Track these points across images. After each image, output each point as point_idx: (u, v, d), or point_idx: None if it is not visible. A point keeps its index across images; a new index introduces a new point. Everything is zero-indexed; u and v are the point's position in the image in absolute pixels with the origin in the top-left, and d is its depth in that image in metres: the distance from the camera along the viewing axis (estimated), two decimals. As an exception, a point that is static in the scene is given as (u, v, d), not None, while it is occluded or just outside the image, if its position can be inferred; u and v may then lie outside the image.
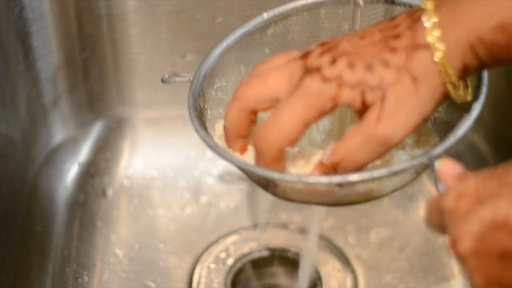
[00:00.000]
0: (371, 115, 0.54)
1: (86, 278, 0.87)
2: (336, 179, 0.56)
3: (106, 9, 0.90)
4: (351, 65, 0.54)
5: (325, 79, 0.54)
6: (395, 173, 0.56)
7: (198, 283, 0.87)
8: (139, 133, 0.99)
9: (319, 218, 0.76)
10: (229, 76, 0.67)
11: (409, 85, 0.53)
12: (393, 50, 0.54)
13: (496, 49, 0.52)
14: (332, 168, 0.56)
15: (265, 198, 0.94)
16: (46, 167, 0.94)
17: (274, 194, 0.62)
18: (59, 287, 0.86)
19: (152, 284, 0.87)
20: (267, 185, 0.61)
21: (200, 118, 0.63)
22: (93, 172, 0.96)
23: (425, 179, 0.95)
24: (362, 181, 0.56)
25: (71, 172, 0.96)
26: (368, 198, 0.60)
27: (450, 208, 0.47)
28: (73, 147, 0.97)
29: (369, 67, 0.54)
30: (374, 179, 0.57)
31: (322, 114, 0.55)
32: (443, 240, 0.90)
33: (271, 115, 0.56)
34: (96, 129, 0.98)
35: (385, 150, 0.55)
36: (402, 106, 0.53)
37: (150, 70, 0.95)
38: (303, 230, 0.91)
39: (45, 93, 0.93)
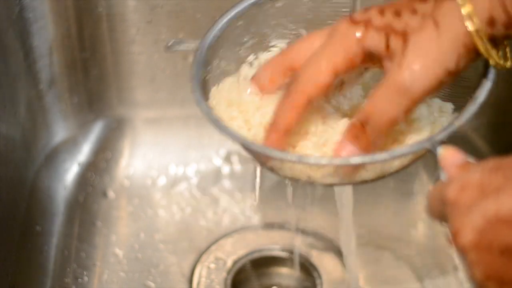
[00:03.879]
0: (393, 64, 0.54)
1: (86, 278, 0.87)
2: (337, 161, 0.56)
3: (106, 9, 0.90)
4: (381, 12, 0.55)
5: (354, 22, 0.56)
6: (396, 157, 0.56)
7: (198, 283, 0.87)
8: (139, 133, 0.99)
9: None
10: (234, 47, 0.67)
11: (431, 30, 0.53)
12: (424, 0, 0.55)
13: None
14: (362, 128, 0.56)
15: (265, 198, 0.94)
16: (46, 167, 0.94)
17: (271, 169, 0.62)
18: (59, 287, 0.86)
19: (152, 284, 0.87)
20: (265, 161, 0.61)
21: (202, 89, 0.62)
22: (93, 172, 0.96)
23: (425, 178, 0.95)
24: (364, 164, 0.57)
25: (71, 172, 0.96)
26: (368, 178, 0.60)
27: (453, 199, 0.47)
28: (73, 147, 0.97)
29: (397, 13, 0.55)
30: (375, 163, 0.57)
31: (349, 61, 0.56)
32: (444, 238, 0.90)
33: (304, 62, 0.58)
34: (96, 129, 0.98)
35: (411, 103, 0.54)
36: (422, 52, 0.53)
37: (150, 70, 0.95)
38: (302, 230, 0.91)
39: (45, 93, 0.93)
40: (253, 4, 0.67)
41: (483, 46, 0.54)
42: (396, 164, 0.59)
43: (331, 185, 0.61)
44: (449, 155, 0.52)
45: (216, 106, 0.63)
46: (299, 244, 0.89)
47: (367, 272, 0.87)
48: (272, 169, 0.62)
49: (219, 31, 0.66)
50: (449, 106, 0.62)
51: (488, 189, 0.45)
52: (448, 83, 0.56)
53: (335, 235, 0.90)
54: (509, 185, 0.45)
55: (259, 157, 0.62)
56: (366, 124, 0.56)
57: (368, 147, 0.57)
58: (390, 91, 0.54)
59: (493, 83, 0.59)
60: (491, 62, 0.55)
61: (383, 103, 0.55)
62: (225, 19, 0.66)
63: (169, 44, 0.67)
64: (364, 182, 0.60)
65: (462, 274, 0.87)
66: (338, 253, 0.89)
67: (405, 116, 0.55)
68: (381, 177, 0.60)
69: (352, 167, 0.57)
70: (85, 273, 0.88)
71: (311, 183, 0.60)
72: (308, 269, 0.88)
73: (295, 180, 0.61)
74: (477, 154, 0.91)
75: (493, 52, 0.55)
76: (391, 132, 0.58)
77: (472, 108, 0.57)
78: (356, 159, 0.56)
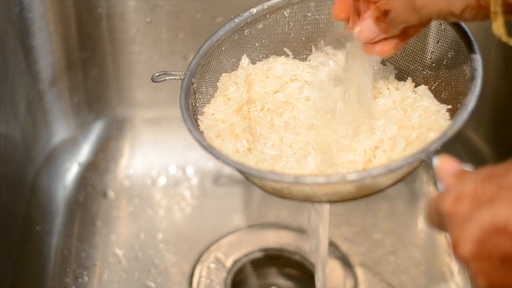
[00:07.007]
0: None
1: (86, 278, 0.87)
2: (335, 178, 0.56)
3: (106, 9, 0.90)
4: None
5: None
6: (392, 171, 0.56)
7: (198, 283, 0.87)
8: (139, 133, 0.99)
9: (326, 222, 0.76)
10: (220, 72, 0.67)
11: None
12: None
13: None
14: (383, 16, 0.59)
15: (264, 199, 0.94)
16: (46, 167, 0.94)
17: (267, 191, 0.62)
18: (59, 287, 0.86)
19: (152, 284, 0.87)
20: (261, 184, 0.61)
21: (193, 117, 0.62)
22: (93, 172, 0.96)
23: (426, 180, 0.94)
24: (360, 180, 0.56)
25: (71, 172, 0.96)
26: (365, 193, 0.60)
27: (450, 210, 0.47)
28: (73, 147, 0.97)
29: None
30: (372, 178, 0.57)
31: None
32: (443, 242, 0.90)
33: None
34: (96, 129, 0.98)
35: (418, 18, 0.58)
36: None
37: (150, 70, 0.95)
38: (302, 231, 0.91)
39: (45, 93, 0.93)
40: (234, 29, 0.66)
41: (494, 6, 0.54)
42: (388, 179, 0.59)
43: (329, 202, 0.61)
44: (445, 165, 0.51)
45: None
46: (298, 244, 0.89)
47: (366, 275, 0.87)
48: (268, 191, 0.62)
49: (201, 58, 0.65)
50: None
51: (482, 199, 0.45)
52: (451, 21, 0.60)
53: (335, 235, 0.90)
54: (503, 194, 0.44)
55: (254, 180, 0.62)
56: (387, 14, 0.59)
57: (385, 32, 0.60)
58: (406, 4, 0.57)
59: (481, 90, 0.60)
60: (494, 26, 0.55)
61: (400, 8, 0.58)
62: (205, 46, 0.66)
63: (155, 75, 0.66)
64: (365, 196, 0.60)
65: (460, 278, 0.87)
66: (339, 253, 0.89)
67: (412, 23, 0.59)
68: (378, 190, 0.60)
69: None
70: (85, 273, 0.88)
71: (309, 201, 0.60)
72: (308, 270, 0.88)
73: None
74: (477, 154, 0.92)
75: (500, 17, 0.55)
76: None
77: (463, 115, 0.57)
78: (353, 176, 0.56)
